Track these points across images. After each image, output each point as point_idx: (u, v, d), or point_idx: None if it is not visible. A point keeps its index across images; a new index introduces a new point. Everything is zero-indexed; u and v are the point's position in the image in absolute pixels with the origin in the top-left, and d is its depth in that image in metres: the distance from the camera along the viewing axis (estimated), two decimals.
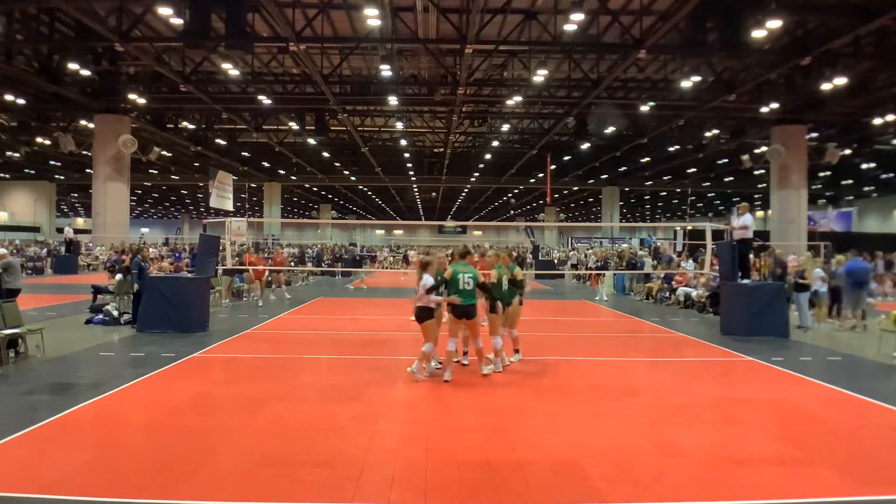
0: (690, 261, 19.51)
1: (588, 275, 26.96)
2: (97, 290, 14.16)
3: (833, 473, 4.96)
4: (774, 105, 23.15)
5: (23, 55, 20.69)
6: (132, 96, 24.00)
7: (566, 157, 39.29)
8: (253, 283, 17.72)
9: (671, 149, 35.96)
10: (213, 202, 37.60)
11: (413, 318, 8.10)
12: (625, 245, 37.47)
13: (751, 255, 13.60)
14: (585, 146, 34.51)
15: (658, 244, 32.26)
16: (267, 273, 18.74)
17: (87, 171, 34.58)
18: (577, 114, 26.64)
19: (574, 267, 30.39)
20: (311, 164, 43.25)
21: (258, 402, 6.84)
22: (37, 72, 20.81)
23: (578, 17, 16.53)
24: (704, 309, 15.94)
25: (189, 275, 13.42)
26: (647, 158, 38.77)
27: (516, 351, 9.20)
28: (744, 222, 12.68)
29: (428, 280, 7.89)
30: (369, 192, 64.78)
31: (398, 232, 76.24)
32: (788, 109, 24.01)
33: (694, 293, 17.03)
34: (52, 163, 41.70)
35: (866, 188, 50.00)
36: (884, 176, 43.95)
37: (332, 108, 25.92)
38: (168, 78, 21.76)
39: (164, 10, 16.24)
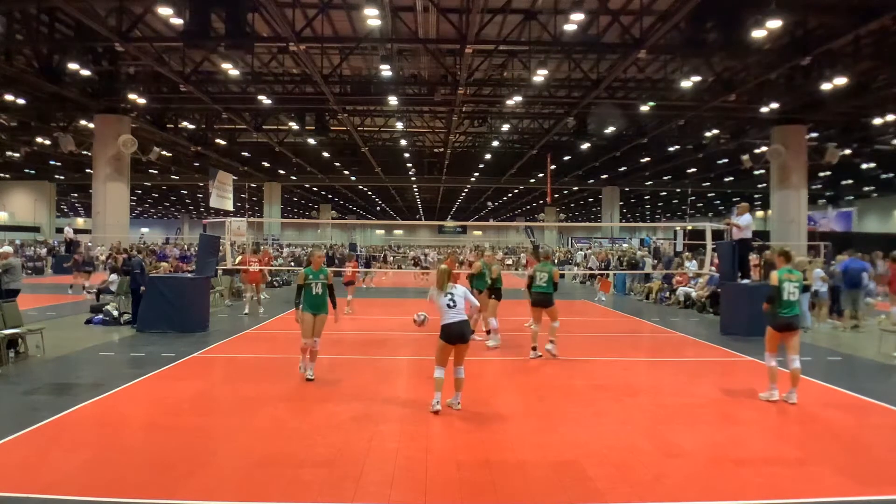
0: (694, 262, 19.45)
1: (587, 275, 26.89)
2: (99, 291, 14.32)
3: (833, 473, 4.96)
4: (774, 105, 23.11)
5: (23, 55, 20.63)
6: (132, 96, 23.94)
7: (566, 157, 39.23)
8: (247, 285, 15.77)
9: (671, 149, 35.89)
10: (213, 202, 37.53)
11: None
12: (625, 245, 37.51)
13: (751, 255, 13.60)
14: (585, 146, 34.45)
15: (658, 244, 32.23)
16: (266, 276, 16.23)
17: (87, 171, 34.52)
18: (577, 114, 26.59)
19: (578, 266, 30.66)
20: (311, 164, 43.19)
21: (258, 402, 6.85)
22: (37, 72, 20.76)
23: (578, 17, 16.52)
24: (704, 309, 15.95)
25: (189, 274, 13.44)
26: (647, 158, 38.72)
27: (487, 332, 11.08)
28: (743, 222, 12.68)
29: None
30: (369, 193, 64.73)
31: (398, 232, 76.13)
32: (788, 109, 23.97)
33: (694, 293, 17.05)
34: (52, 163, 41.63)
35: (866, 188, 49.95)
36: (884, 176, 43.89)
37: (332, 108, 25.88)
38: (168, 78, 21.73)
39: (164, 10, 16.20)
